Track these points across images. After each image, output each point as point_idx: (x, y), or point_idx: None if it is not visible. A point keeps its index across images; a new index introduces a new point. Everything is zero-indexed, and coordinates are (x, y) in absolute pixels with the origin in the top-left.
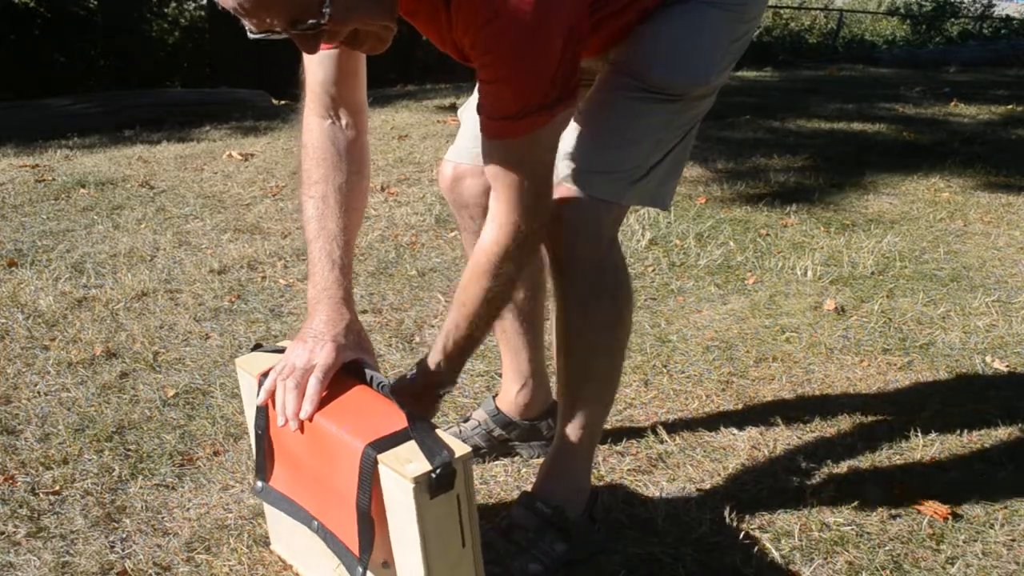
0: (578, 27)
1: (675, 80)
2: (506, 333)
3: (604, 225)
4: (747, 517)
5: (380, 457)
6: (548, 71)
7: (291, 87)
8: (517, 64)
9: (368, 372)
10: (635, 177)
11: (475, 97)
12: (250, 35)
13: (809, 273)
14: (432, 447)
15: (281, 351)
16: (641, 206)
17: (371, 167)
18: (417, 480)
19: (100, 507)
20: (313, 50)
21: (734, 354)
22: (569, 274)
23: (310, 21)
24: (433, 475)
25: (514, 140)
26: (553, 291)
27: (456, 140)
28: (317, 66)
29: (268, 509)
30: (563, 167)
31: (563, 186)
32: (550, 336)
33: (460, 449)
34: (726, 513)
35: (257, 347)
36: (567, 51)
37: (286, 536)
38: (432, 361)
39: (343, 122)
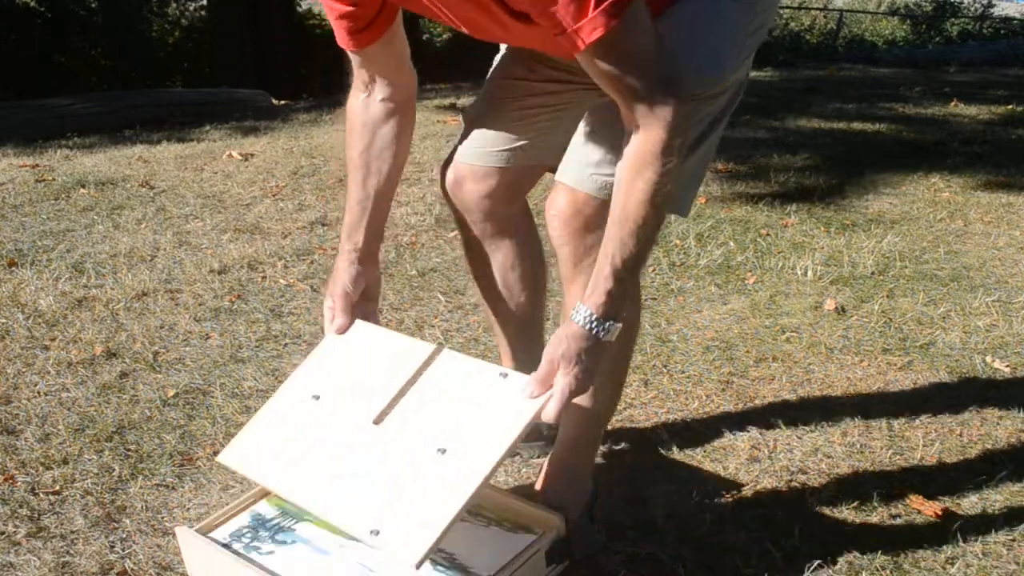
0: None
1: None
2: (506, 331)
3: None
4: (747, 517)
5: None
6: None
7: (290, 87)
8: None
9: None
10: None
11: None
12: None
13: (809, 273)
14: None
15: None
16: None
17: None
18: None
19: (100, 507)
20: None
21: (734, 354)
22: (583, 275)
23: None
24: None
25: (605, 37)
26: (564, 292)
27: (458, 141)
28: (360, 57)
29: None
30: (575, 171)
31: (577, 190)
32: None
33: None
34: (726, 513)
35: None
36: None
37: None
38: (597, 297)
39: (378, 96)
